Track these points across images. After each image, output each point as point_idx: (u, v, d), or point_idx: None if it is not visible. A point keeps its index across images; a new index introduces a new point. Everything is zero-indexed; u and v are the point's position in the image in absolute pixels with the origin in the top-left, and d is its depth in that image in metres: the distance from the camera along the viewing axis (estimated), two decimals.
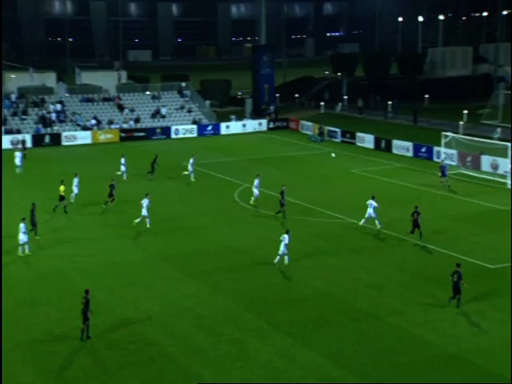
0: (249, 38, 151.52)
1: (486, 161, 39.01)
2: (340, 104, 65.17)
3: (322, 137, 51.82)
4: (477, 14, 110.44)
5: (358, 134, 49.59)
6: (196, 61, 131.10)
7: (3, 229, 27.60)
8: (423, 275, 23.82)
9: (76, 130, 53.58)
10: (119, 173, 37.99)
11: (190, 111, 58.51)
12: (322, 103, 64.95)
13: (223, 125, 56.48)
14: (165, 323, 20.51)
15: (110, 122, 55.45)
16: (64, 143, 52.08)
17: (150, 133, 54.46)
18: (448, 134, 40.74)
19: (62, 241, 27.96)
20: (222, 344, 19.14)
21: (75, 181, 33.67)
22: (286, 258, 24.63)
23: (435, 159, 42.34)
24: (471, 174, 38.54)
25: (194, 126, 55.62)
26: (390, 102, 61.62)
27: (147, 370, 17.87)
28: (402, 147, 45.45)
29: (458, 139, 40.34)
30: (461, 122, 50.94)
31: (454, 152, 40.44)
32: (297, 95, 71.25)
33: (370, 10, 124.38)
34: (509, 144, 36.98)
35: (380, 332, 19.65)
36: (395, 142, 46.08)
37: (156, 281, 23.80)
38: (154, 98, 59.43)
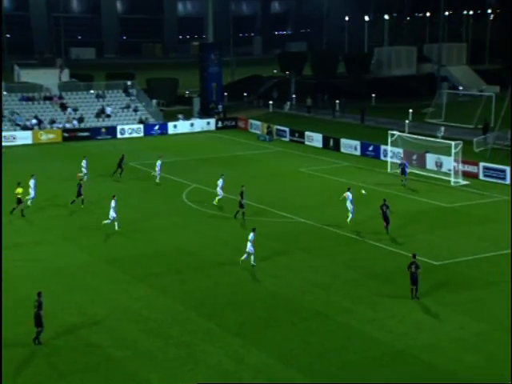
0: (196, 36, 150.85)
1: (430, 159, 40.14)
2: (288, 103, 65.72)
3: (270, 136, 52.14)
4: (420, 15, 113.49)
5: (307, 133, 50.14)
6: (142, 59, 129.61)
7: None
8: (371, 273, 24.32)
9: (15, 130, 52.12)
10: (81, 174, 37.12)
11: (136, 110, 57.82)
12: (271, 102, 65.36)
13: (170, 124, 56.09)
14: (111, 327, 20.24)
15: (52, 122, 54.22)
16: (2, 143, 50.50)
17: (94, 133, 53.54)
18: (394, 132, 41.68)
19: (5, 245, 27.13)
20: (170, 347, 19.04)
21: (32, 183, 32.50)
22: (252, 257, 24.66)
23: (382, 158, 43.27)
24: (417, 172, 39.54)
25: (141, 126, 55.02)
26: (337, 101, 62.58)
27: (93, 376, 17.59)
28: (350, 146, 46.25)
29: (403, 138, 41.34)
30: (406, 121, 52.21)
31: (400, 150, 41.42)
32: (245, 94, 71.43)
33: (317, 9, 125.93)
34: (452, 142, 38.10)
35: (329, 331, 19.96)
36: (343, 141, 46.85)
37: (102, 284, 23.45)
38: (98, 96, 58.45)
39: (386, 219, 28.23)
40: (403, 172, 36.37)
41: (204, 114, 60.55)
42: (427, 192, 35.70)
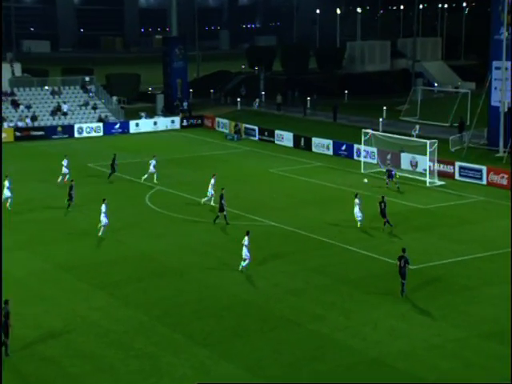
0: (159, 29, 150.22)
1: (405, 158, 40.70)
2: (257, 100, 65.97)
3: (238, 135, 52.25)
4: (394, 8, 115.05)
5: (277, 132, 50.39)
6: (101, 53, 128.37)
7: None
8: (344, 278, 24.56)
9: None
10: (61, 177, 36.94)
11: (95, 108, 57.29)
12: (239, 99, 65.50)
13: (132, 123, 55.74)
14: (69, 340, 20.02)
15: (3, 120, 53.32)
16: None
17: (49, 132, 52.86)
18: (368, 131, 42.12)
19: None
20: (132, 360, 18.93)
21: (7, 183, 32.66)
22: (242, 262, 24.75)
23: (355, 157, 43.71)
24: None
25: (100, 124, 54.54)
26: (308, 98, 63.00)
27: None
28: (322, 145, 46.62)
29: (377, 136, 41.82)
30: (380, 119, 52.84)
31: (374, 150, 41.91)
32: (212, 91, 71.43)
33: (286, 1, 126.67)
34: (427, 141, 38.74)
35: (300, 339, 20.09)
36: (315, 140, 47.21)
37: (58, 294, 23.18)
38: (53, 93, 57.71)
39: (384, 215, 29.13)
40: (390, 176, 36.43)
41: (168, 111, 60.31)
42: (401, 192, 36.17)
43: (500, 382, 17.67)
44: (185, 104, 61.37)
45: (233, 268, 25.45)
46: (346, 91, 68.12)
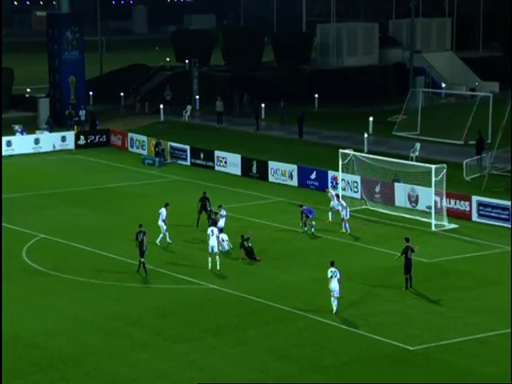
0: (41, 3, 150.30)
1: (400, 191, 41.50)
2: (189, 107, 66.51)
3: (161, 158, 52.52)
4: None
5: (218, 154, 50.86)
6: None
7: None
8: (316, 366, 24.72)
9: None
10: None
11: None
12: (162, 106, 65.90)
13: (2, 140, 55.36)
14: None
15: None
16: None
17: None
18: (347, 151, 42.92)
19: None
20: None
21: (163, 212, 35.77)
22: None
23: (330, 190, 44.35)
24: (381, 210, 40.77)
25: None
26: (263, 105, 63.80)
27: None
28: (283, 172, 47.21)
29: (361, 159, 42.58)
30: (365, 135, 53.91)
31: (357, 178, 42.66)
32: (122, 94, 71.70)
33: None
34: (432, 166, 39.65)
35: None
36: (272, 166, 47.82)
37: None
38: None
39: (409, 267, 30.12)
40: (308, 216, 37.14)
41: (57, 124, 60.15)
42: (395, 240, 36.70)
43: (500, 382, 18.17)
44: (82, 113, 61.29)
45: (151, 351, 25.38)
46: (317, 95, 69.31)
